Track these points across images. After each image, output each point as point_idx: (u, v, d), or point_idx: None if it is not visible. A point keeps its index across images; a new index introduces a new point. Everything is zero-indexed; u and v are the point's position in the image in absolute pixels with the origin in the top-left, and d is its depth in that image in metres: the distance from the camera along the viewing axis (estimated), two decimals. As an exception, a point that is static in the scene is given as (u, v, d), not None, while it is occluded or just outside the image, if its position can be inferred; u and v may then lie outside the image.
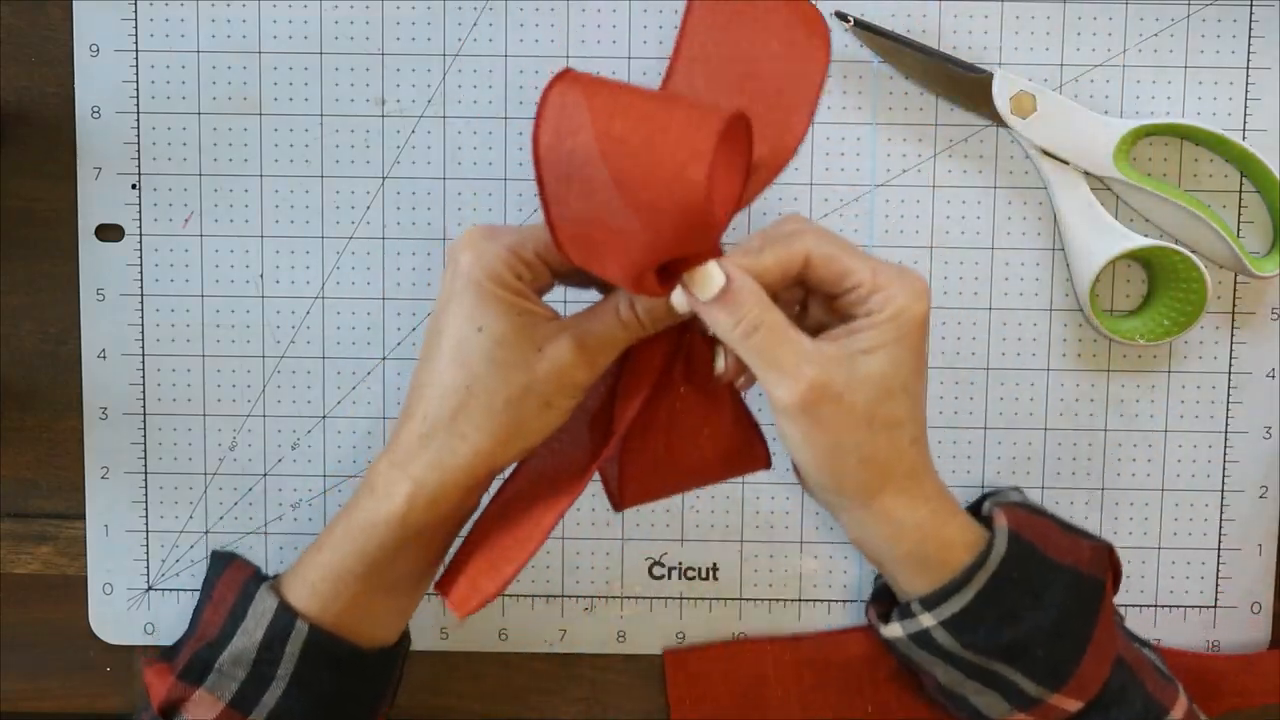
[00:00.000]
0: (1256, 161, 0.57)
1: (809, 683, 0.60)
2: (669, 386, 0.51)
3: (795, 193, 0.59)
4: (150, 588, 0.61)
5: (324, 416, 0.61)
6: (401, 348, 0.60)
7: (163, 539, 0.61)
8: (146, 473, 0.61)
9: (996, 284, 0.60)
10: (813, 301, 0.51)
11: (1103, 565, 0.53)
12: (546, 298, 0.50)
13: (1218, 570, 0.61)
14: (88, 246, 0.60)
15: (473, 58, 0.59)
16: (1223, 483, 0.60)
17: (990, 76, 0.58)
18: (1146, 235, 0.58)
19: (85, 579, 0.61)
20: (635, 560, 0.61)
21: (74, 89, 0.59)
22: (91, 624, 0.61)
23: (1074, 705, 0.51)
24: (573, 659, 0.62)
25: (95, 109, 0.59)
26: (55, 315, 0.60)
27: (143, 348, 0.60)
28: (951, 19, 0.59)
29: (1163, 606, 0.61)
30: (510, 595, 0.61)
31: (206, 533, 0.61)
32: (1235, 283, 0.60)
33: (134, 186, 0.60)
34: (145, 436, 0.60)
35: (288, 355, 0.60)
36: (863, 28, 0.58)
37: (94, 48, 0.59)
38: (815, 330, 0.50)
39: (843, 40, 0.58)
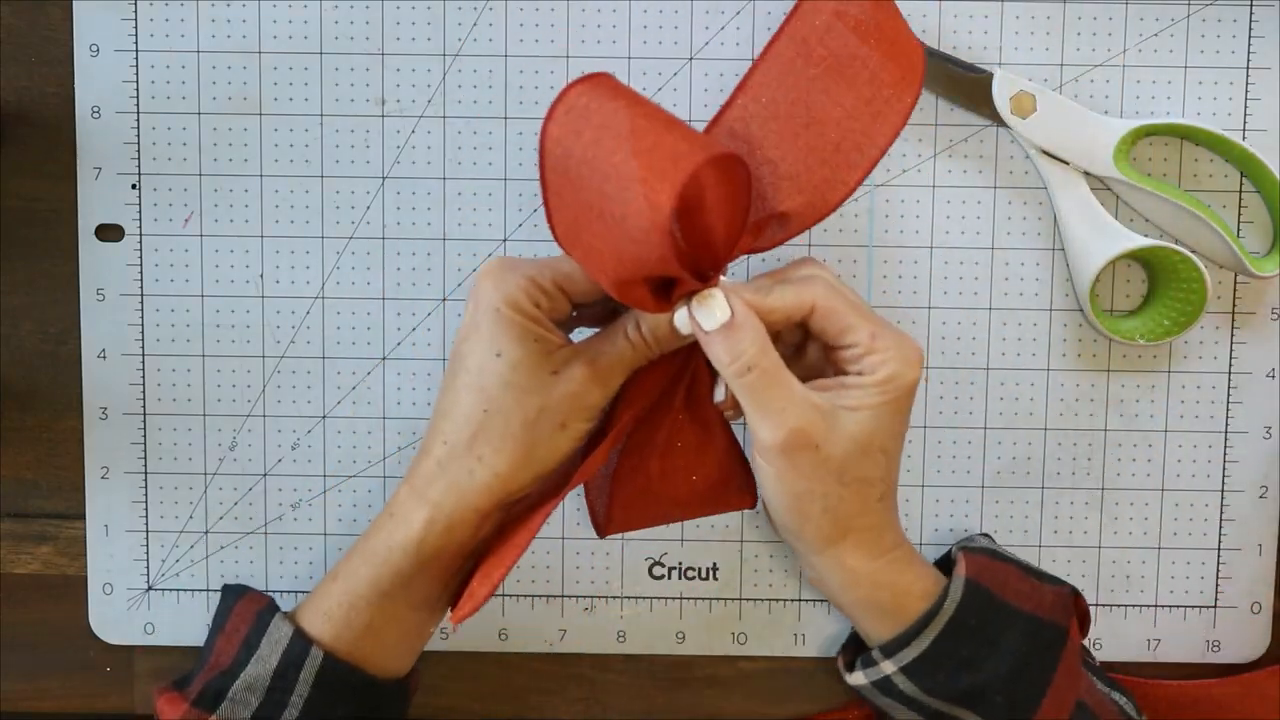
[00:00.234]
0: (1256, 161, 0.57)
1: None
2: (668, 410, 0.52)
3: (795, 193, 0.59)
4: (150, 588, 0.61)
5: (324, 416, 0.61)
6: (401, 348, 0.60)
7: (163, 539, 0.61)
8: (146, 473, 0.61)
9: (996, 284, 0.60)
10: (812, 344, 0.52)
11: (1065, 611, 0.54)
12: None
13: (1218, 570, 0.61)
14: (88, 246, 0.60)
15: (473, 58, 0.59)
16: (1223, 483, 0.60)
17: (990, 76, 0.58)
18: (1146, 235, 0.58)
19: (85, 579, 0.61)
20: (635, 560, 0.61)
21: (74, 89, 0.59)
22: (91, 624, 0.61)
23: None
24: (572, 659, 0.62)
25: (95, 109, 0.59)
26: (55, 315, 0.60)
27: (143, 348, 0.60)
28: (951, 19, 0.59)
29: (1163, 606, 0.61)
30: (510, 595, 0.61)
31: (206, 533, 0.61)
32: (1235, 283, 0.60)
33: (134, 186, 0.60)
34: (145, 436, 0.60)
35: (288, 355, 0.60)
36: (863, 28, 0.58)
37: (94, 48, 0.59)
38: (808, 369, 0.52)
39: (843, 40, 0.58)
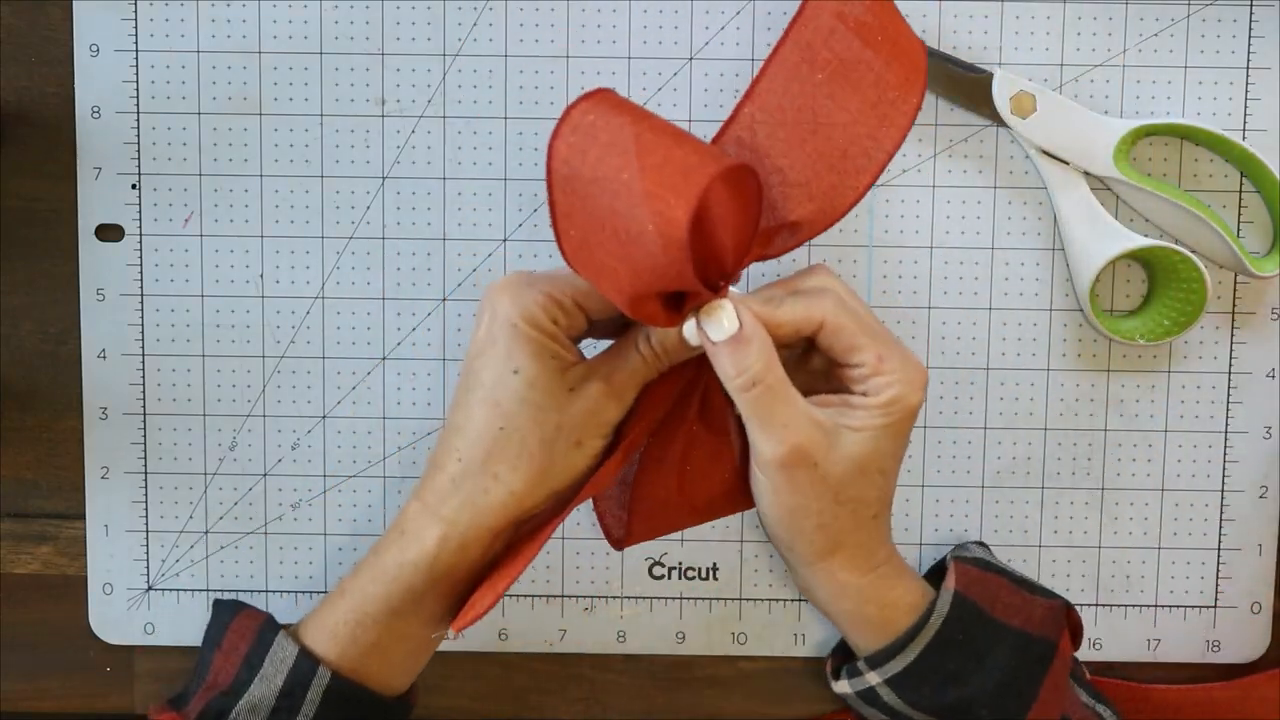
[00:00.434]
0: (1256, 161, 0.57)
1: None
2: (682, 422, 0.52)
3: (795, 193, 0.59)
4: (150, 588, 0.61)
5: (324, 416, 0.61)
6: (401, 348, 0.60)
7: (163, 539, 0.61)
8: (146, 473, 0.61)
9: (996, 284, 0.60)
10: (817, 353, 0.52)
11: (1056, 625, 0.54)
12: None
13: (1218, 570, 0.61)
14: (88, 246, 0.60)
15: (473, 58, 0.59)
16: (1223, 483, 0.60)
17: (990, 76, 0.58)
18: (1146, 235, 0.58)
19: (85, 579, 0.61)
20: (635, 560, 0.61)
21: (74, 89, 0.59)
22: (91, 624, 0.61)
23: None
24: (573, 659, 0.62)
25: (95, 109, 0.59)
26: (55, 315, 0.60)
27: (143, 348, 0.60)
28: (951, 19, 0.59)
29: (1163, 606, 0.61)
30: (510, 595, 0.61)
31: (206, 533, 0.61)
32: (1235, 283, 0.60)
33: (134, 186, 0.60)
34: (145, 436, 0.60)
35: (288, 355, 0.60)
36: (863, 28, 0.58)
37: (94, 48, 0.59)
38: (812, 375, 0.52)
39: (843, 40, 0.58)
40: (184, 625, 0.61)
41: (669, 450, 0.52)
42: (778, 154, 0.50)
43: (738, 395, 0.48)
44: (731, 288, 0.49)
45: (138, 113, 0.59)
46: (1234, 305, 0.60)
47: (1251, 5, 0.58)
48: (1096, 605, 0.61)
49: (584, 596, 0.61)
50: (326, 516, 0.61)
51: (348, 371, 0.60)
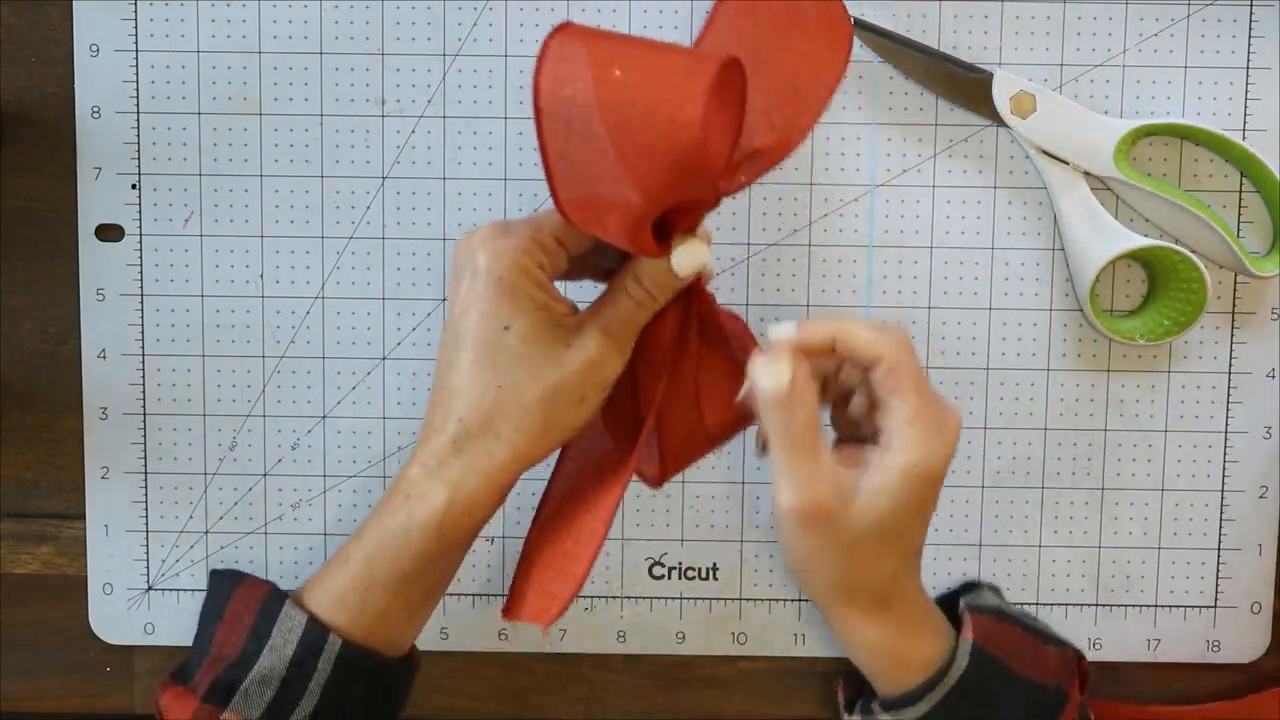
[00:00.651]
0: (1256, 161, 0.57)
1: None
2: (687, 355, 0.51)
3: (795, 193, 0.59)
4: (150, 588, 0.61)
5: (324, 416, 0.61)
6: (401, 348, 0.60)
7: (163, 539, 0.61)
8: (146, 473, 0.61)
9: (996, 284, 0.60)
10: (856, 398, 0.51)
11: (1068, 674, 0.54)
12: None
13: (1218, 570, 0.61)
14: (88, 246, 0.60)
15: (473, 58, 0.59)
16: (1223, 483, 0.60)
17: (990, 76, 0.58)
18: (1146, 235, 0.58)
19: (85, 579, 0.61)
20: (635, 560, 0.61)
21: (74, 89, 0.59)
22: (91, 624, 0.61)
23: None
24: (573, 659, 0.62)
25: (95, 109, 0.59)
26: (55, 315, 0.60)
27: (143, 348, 0.60)
28: (951, 19, 0.59)
29: (1163, 606, 0.61)
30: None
31: (206, 533, 0.61)
32: (1235, 283, 0.60)
33: (134, 186, 0.60)
34: (145, 436, 0.60)
35: (288, 355, 0.60)
36: (863, 28, 0.58)
37: (94, 48, 0.59)
38: (847, 423, 0.51)
39: (843, 40, 0.58)
40: (184, 625, 0.61)
41: (685, 382, 0.51)
42: None
43: (774, 441, 0.48)
44: (777, 332, 0.49)
45: (138, 113, 0.59)
46: (1234, 305, 0.60)
47: (1251, 5, 0.58)
48: (1096, 605, 0.61)
49: (584, 596, 0.61)
50: (326, 516, 0.61)
51: (348, 371, 0.60)
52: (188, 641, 0.61)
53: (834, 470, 0.48)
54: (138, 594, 0.61)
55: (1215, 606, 0.61)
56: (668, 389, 0.51)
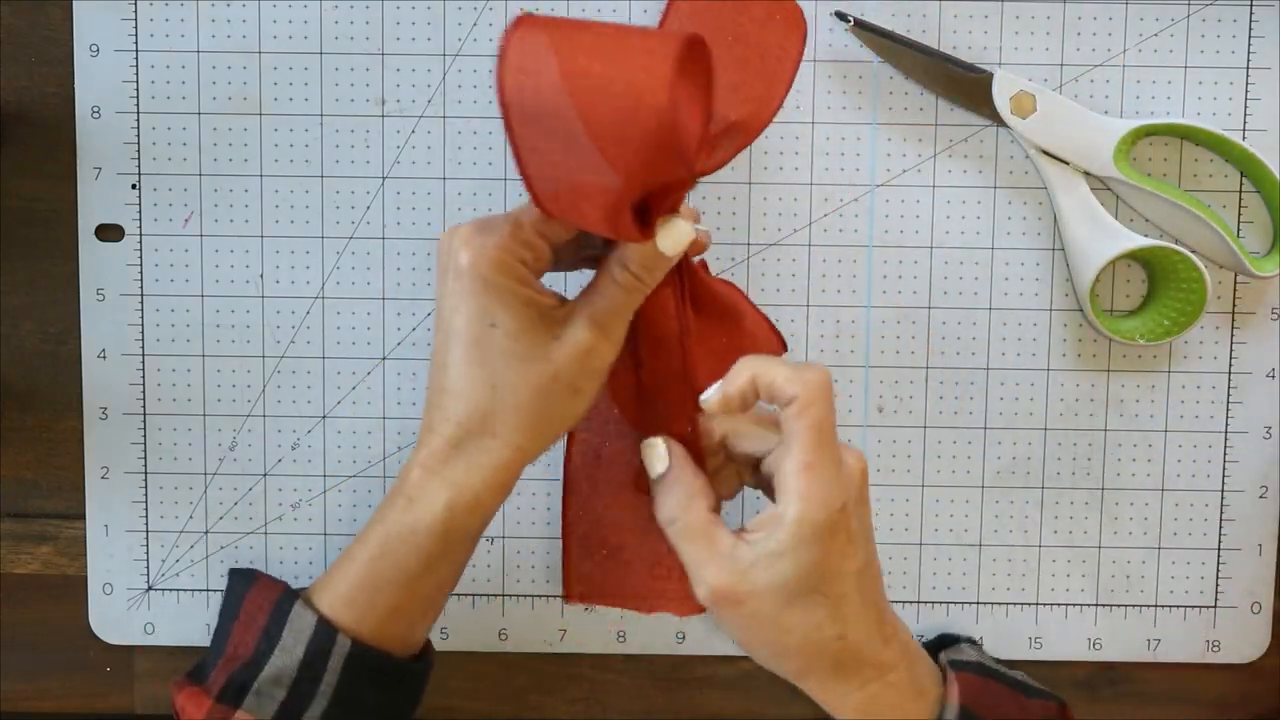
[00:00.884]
0: (1256, 161, 0.57)
1: None
2: (687, 332, 0.51)
3: (795, 193, 0.59)
4: (150, 588, 0.61)
5: (324, 416, 0.61)
6: (401, 348, 0.60)
7: (163, 539, 0.61)
8: (146, 473, 0.61)
9: (996, 284, 0.60)
10: (764, 464, 0.50)
11: None
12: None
13: (1218, 570, 0.61)
14: (88, 246, 0.60)
15: (473, 58, 0.59)
16: (1223, 483, 0.60)
17: (990, 76, 0.58)
18: (1146, 235, 0.58)
19: (85, 579, 0.61)
20: (635, 560, 0.61)
21: (74, 89, 0.59)
22: (91, 624, 0.61)
23: None
24: (572, 659, 0.62)
25: (95, 109, 0.59)
26: (55, 315, 0.60)
27: (143, 348, 0.60)
28: (951, 19, 0.59)
29: (1163, 606, 0.61)
30: (510, 595, 0.61)
31: (206, 533, 0.61)
32: (1235, 283, 0.60)
33: (134, 186, 0.60)
34: (145, 436, 0.60)
35: (288, 355, 0.60)
36: (863, 28, 0.58)
37: (94, 48, 0.59)
38: (760, 480, 0.51)
39: (843, 40, 0.58)
40: (184, 625, 0.61)
41: (675, 355, 0.51)
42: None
43: (667, 530, 0.49)
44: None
45: (138, 113, 0.59)
46: (1234, 305, 0.60)
47: (1251, 5, 0.58)
48: (1096, 605, 0.61)
49: (584, 596, 0.61)
50: (326, 516, 0.61)
51: (348, 371, 0.60)
52: (188, 641, 0.61)
53: (731, 549, 0.48)
54: (138, 594, 0.61)
55: (1215, 606, 0.61)
56: (663, 363, 0.51)
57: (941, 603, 0.61)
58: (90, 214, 0.60)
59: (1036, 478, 0.60)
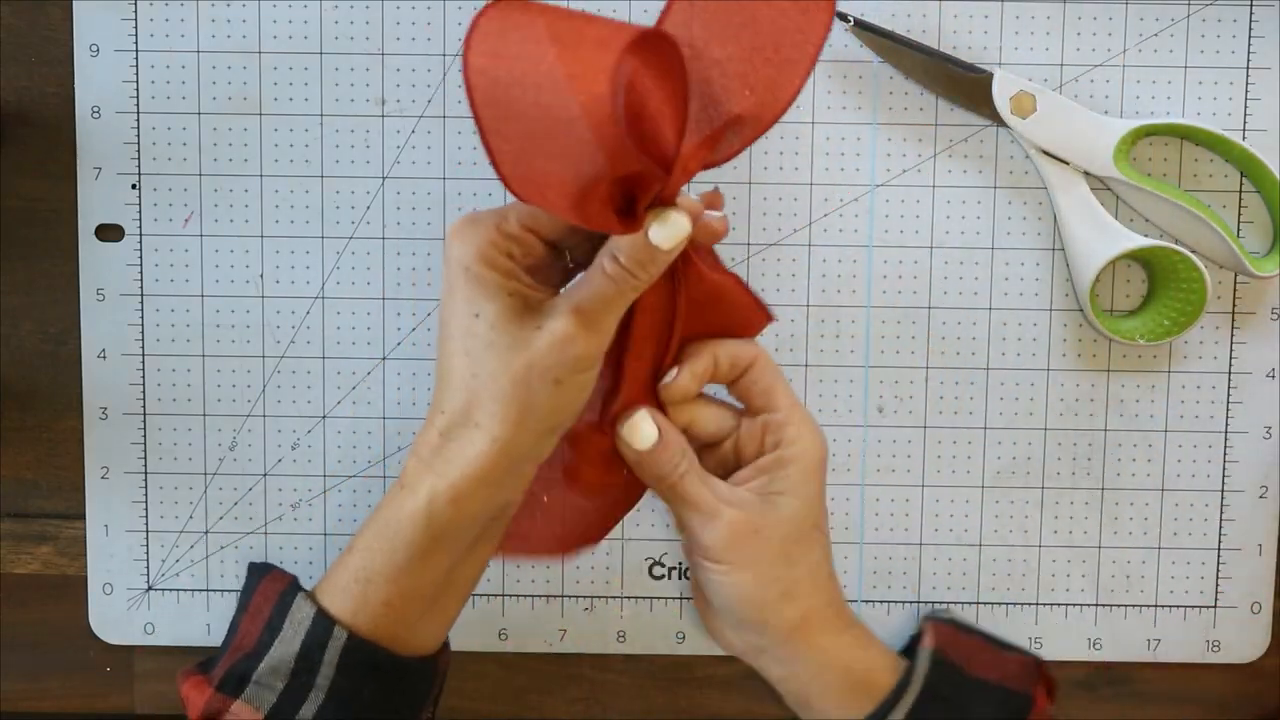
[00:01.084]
0: (1256, 161, 0.57)
1: None
2: (676, 328, 0.51)
3: (795, 193, 0.59)
4: (150, 588, 0.61)
5: (324, 416, 0.61)
6: (401, 348, 0.60)
7: (163, 539, 0.61)
8: (146, 473, 0.61)
9: (996, 284, 0.60)
10: (727, 441, 0.53)
11: (1031, 679, 0.54)
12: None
13: (1218, 570, 0.61)
14: (88, 246, 0.60)
15: (473, 58, 0.59)
16: (1223, 483, 0.60)
17: (990, 76, 0.58)
18: (1146, 235, 0.58)
19: (85, 579, 0.61)
20: (635, 560, 0.61)
21: (74, 89, 0.59)
22: (91, 624, 0.61)
23: None
24: (572, 659, 0.62)
25: (95, 109, 0.59)
26: (55, 315, 0.60)
27: (143, 348, 0.60)
28: (951, 19, 0.59)
29: (1163, 606, 0.61)
30: (510, 595, 0.61)
31: (206, 533, 0.61)
32: (1235, 283, 0.60)
33: (134, 186, 0.60)
34: (145, 436, 0.60)
35: (288, 355, 0.60)
36: (863, 28, 0.58)
37: (94, 48, 0.59)
38: (722, 463, 0.53)
39: (843, 40, 0.58)
40: (184, 625, 0.61)
41: (666, 349, 0.51)
42: (715, 45, 0.49)
43: (667, 492, 0.51)
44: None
45: (138, 113, 0.59)
46: (1234, 305, 0.60)
47: (1251, 5, 0.58)
48: (1096, 605, 0.61)
49: (584, 596, 0.61)
50: (326, 516, 0.61)
51: (348, 371, 0.60)
52: (188, 641, 0.61)
53: (733, 490, 0.51)
54: (138, 594, 0.61)
55: (1215, 606, 0.61)
56: (647, 354, 0.51)
57: (941, 603, 0.61)
58: (90, 214, 0.60)
59: (1036, 478, 0.60)
